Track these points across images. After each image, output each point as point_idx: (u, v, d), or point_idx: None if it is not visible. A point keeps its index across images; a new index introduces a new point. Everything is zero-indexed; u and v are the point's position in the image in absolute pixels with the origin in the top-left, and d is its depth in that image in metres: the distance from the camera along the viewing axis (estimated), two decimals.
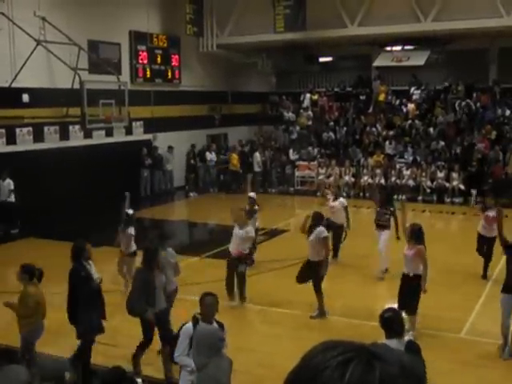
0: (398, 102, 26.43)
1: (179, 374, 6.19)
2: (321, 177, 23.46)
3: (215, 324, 6.06)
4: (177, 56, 24.42)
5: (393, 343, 5.28)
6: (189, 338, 5.92)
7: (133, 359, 8.16)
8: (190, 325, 6.05)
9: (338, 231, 13.50)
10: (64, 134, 19.40)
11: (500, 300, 8.82)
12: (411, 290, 9.10)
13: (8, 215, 16.96)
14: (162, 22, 23.82)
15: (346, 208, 13.77)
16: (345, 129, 26.12)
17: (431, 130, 24.13)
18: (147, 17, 22.53)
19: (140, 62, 22.72)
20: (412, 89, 26.13)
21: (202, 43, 24.72)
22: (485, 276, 12.28)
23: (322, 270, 10.22)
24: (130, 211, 11.68)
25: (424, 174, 21.94)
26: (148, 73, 23.10)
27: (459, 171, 21.32)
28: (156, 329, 8.19)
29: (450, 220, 20.09)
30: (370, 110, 26.36)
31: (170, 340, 7.55)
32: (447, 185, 21.40)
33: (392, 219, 12.52)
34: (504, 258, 9.33)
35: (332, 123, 26.56)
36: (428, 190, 21.71)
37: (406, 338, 6.45)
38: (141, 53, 22.69)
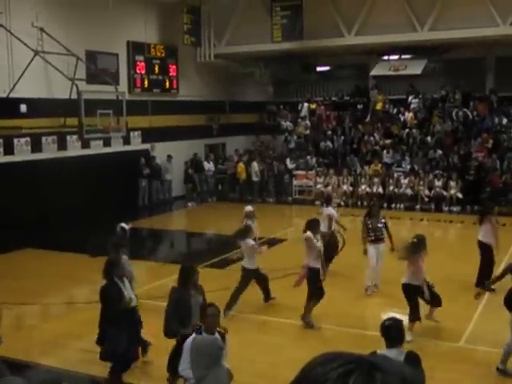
0: (395, 110, 26.49)
1: None
2: (319, 186, 23.47)
3: (217, 334, 6.01)
4: (174, 66, 24.48)
5: (392, 353, 5.26)
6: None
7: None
8: (192, 337, 6.00)
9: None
10: (62, 144, 19.39)
11: (509, 321, 8.35)
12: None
13: None
14: (160, 32, 23.90)
15: (331, 218, 13.19)
16: (342, 138, 26.16)
17: (429, 138, 24.18)
18: (145, 27, 22.59)
19: (138, 72, 22.77)
20: (410, 97, 26.19)
21: (200, 53, 24.78)
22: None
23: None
24: (126, 226, 11.27)
25: (422, 182, 21.95)
26: (146, 83, 23.15)
27: (457, 180, 21.34)
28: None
29: (448, 228, 20.09)
30: (368, 119, 26.41)
31: None
32: (445, 193, 21.41)
33: (384, 231, 12.06)
34: (500, 266, 9.32)
35: (330, 132, 26.60)
36: (426, 199, 21.71)
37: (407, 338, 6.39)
38: (138, 63, 22.75)
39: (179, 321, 7.34)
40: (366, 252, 11.90)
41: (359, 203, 22.41)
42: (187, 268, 7.91)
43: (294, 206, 23.67)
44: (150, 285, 12.53)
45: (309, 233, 10.29)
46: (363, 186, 22.72)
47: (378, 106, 26.48)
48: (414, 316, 9.53)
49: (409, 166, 23.07)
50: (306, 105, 27.98)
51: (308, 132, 27.01)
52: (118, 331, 7.52)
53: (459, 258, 14.27)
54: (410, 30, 21.73)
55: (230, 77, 27.01)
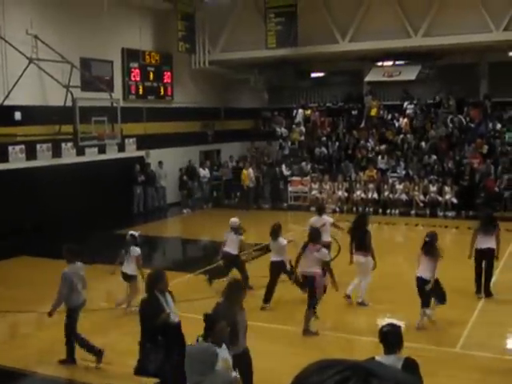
0: (389, 116, 26.56)
1: None
2: (314, 192, 23.48)
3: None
4: (169, 73, 24.49)
5: (390, 359, 5.25)
6: None
7: None
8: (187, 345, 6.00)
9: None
10: (57, 152, 19.37)
11: None
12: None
13: None
14: (154, 40, 23.92)
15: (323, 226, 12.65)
16: (337, 144, 26.20)
17: (423, 144, 24.24)
18: (139, 34, 22.60)
19: (132, 79, 22.77)
20: (405, 103, 26.28)
21: (195, 60, 24.81)
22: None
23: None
24: (136, 233, 11.43)
25: (417, 188, 21.99)
26: (140, 90, 23.15)
27: (452, 185, 21.39)
28: None
29: (444, 234, 20.01)
30: (363, 125, 26.46)
31: None
32: (440, 199, 21.45)
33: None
34: (497, 269, 9.34)
35: (324, 138, 26.64)
36: (421, 204, 21.74)
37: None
38: (133, 70, 22.75)
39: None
40: (375, 266, 11.50)
41: (354, 209, 22.39)
42: (236, 284, 7.58)
43: (289, 212, 23.63)
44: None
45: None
46: (358, 192, 22.74)
47: (373, 112, 26.54)
48: (427, 303, 10.08)
49: (404, 172, 23.12)
50: (300, 111, 28.03)
51: (303, 138, 27.05)
52: (154, 347, 7.21)
53: (454, 262, 14.25)
54: (403, 36, 21.83)
55: (224, 83, 27.04)
